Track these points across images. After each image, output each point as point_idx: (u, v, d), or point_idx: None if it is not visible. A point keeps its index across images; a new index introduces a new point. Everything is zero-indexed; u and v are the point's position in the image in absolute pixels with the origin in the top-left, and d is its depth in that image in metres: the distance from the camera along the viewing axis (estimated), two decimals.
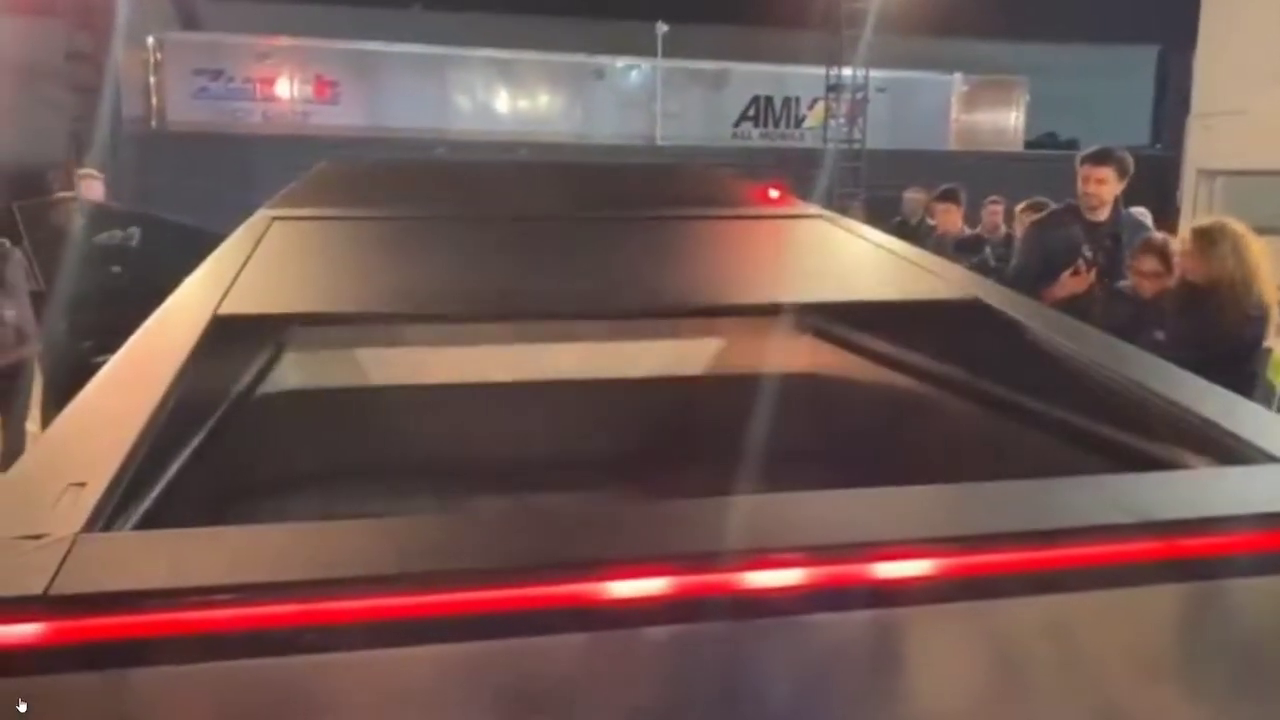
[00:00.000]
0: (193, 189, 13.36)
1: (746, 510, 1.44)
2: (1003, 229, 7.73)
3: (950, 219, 7.39)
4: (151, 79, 17.32)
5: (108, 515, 1.33)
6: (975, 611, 1.33)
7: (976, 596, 1.32)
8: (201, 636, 1.13)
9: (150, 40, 17.16)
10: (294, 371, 3.08)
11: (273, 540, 1.32)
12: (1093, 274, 4.39)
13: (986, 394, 2.57)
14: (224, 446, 2.22)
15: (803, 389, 3.39)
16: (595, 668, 1.24)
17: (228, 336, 2.38)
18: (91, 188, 6.34)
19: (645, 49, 19.32)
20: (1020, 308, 2.71)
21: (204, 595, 1.13)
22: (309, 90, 18.10)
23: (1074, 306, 4.36)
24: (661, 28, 18.71)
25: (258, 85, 17.79)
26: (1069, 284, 4.41)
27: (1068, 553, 1.34)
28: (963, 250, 7.07)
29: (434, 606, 1.17)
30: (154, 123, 17.30)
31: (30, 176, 12.78)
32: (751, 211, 3.50)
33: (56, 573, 1.14)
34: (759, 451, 3.04)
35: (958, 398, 2.64)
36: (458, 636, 1.18)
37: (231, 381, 2.42)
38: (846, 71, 18.39)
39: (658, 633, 1.24)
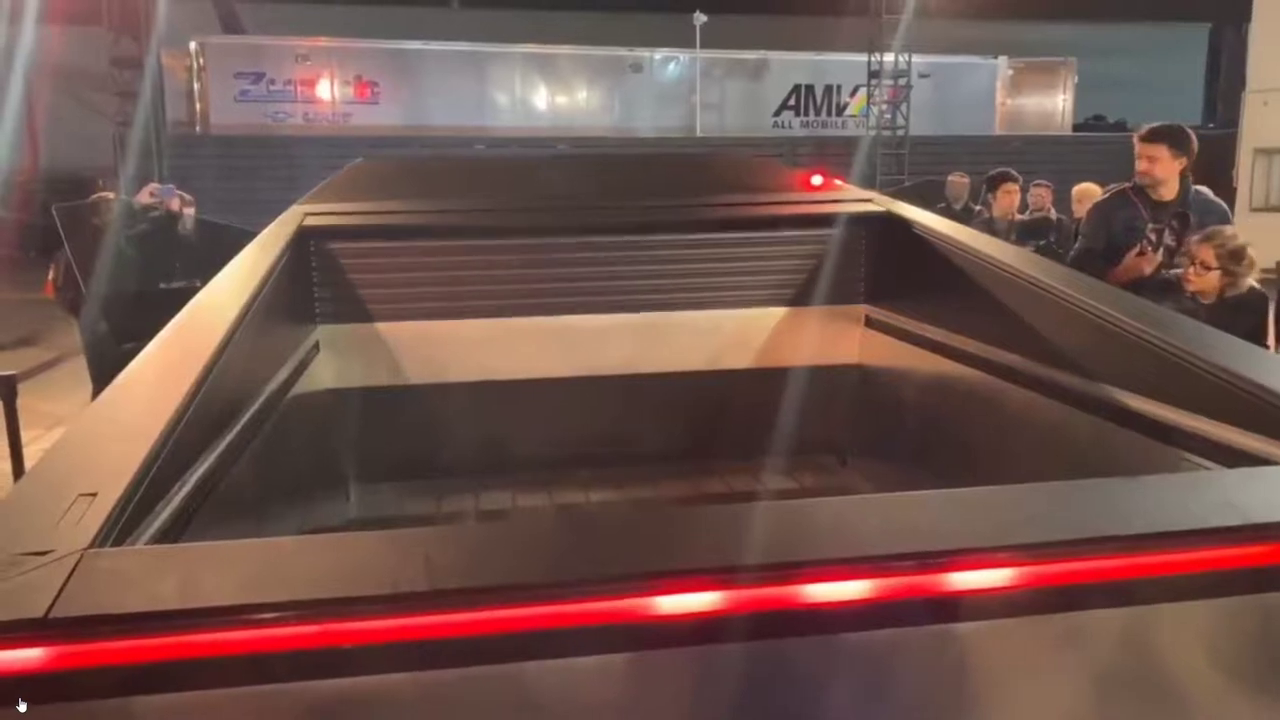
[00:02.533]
0: (236, 190, 13.49)
1: (805, 516, 1.33)
2: (1052, 212, 7.51)
3: (1010, 200, 7.24)
4: (195, 83, 17.49)
5: (120, 528, 1.25)
6: (1055, 626, 1.20)
7: (1055, 609, 1.20)
8: (214, 661, 1.04)
9: (192, 45, 17.33)
10: (328, 370, 3.02)
11: (295, 554, 1.23)
12: (1159, 255, 4.16)
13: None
14: (257, 447, 2.15)
15: (852, 378, 3.28)
16: (647, 689, 1.13)
17: (264, 327, 2.31)
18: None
19: (683, 40, 19.17)
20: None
21: (216, 617, 1.04)
22: (349, 90, 18.19)
23: (1142, 288, 4.14)
24: (699, 18, 18.53)
25: (298, 87, 17.91)
26: (1133, 265, 4.19)
27: (1159, 560, 1.21)
28: (1027, 234, 6.84)
29: (468, 626, 1.07)
30: (197, 126, 17.48)
31: (79, 180, 12.95)
32: (809, 197, 3.40)
33: (60, 593, 1.05)
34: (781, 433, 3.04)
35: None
36: (493, 658, 1.08)
37: (265, 378, 2.35)
38: (888, 58, 18.10)
39: (714, 651, 1.13)
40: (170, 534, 1.42)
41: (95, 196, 6.20)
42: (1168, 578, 1.20)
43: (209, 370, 1.77)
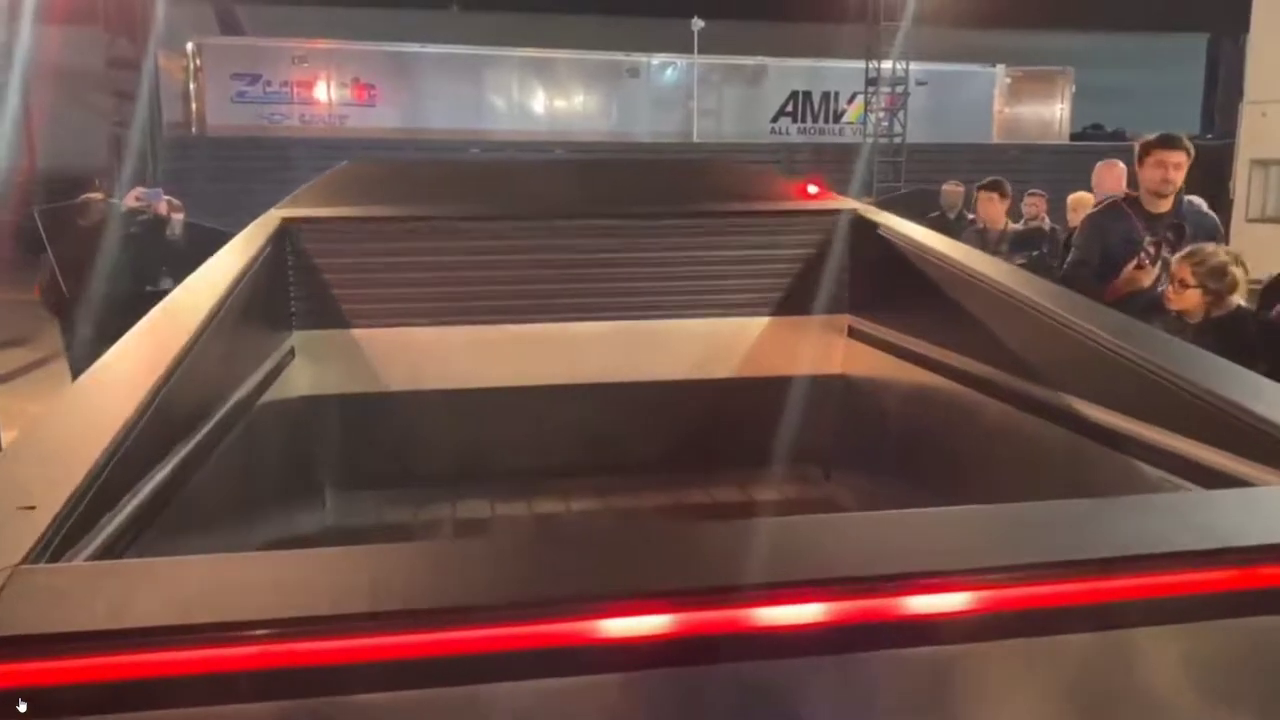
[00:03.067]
0: (231, 192, 13.43)
1: (758, 536, 1.29)
2: (1046, 222, 7.47)
3: (991, 210, 7.14)
4: (191, 84, 17.45)
5: (58, 543, 1.21)
6: (1022, 651, 1.17)
7: (1022, 634, 1.16)
8: (143, 683, 1.00)
9: (189, 46, 17.29)
10: (304, 376, 2.98)
11: (236, 572, 1.19)
12: (1157, 268, 4.07)
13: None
14: (224, 456, 2.11)
15: (837, 389, 3.24)
16: (593, 714, 1.10)
17: (233, 332, 2.27)
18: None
19: (681, 46, 19.15)
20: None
21: (147, 638, 1.00)
22: (345, 93, 18.15)
23: (1128, 306, 4.05)
24: (697, 24, 18.51)
25: (294, 88, 17.86)
26: (1132, 278, 4.10)
27: (1132, 583, 1.18)
28: (1020, 245, 6.76)
29: (411, 648, 1.04)
30: (193, 127, 17.43)
31: (75, 181, 12.91)
32: (792, 205, 3.37)
33: None
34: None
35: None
36: (435, 681, 1.04)
37: (232, 384, 2.30)
38: (886, 65, 18.09)
39: (661, 676, 1.10)
40: (115, 549, 1.38)
41: (83, 197, 6.15)
42: (1132, 602, 1.17)
43: (168, 376, 1.73)
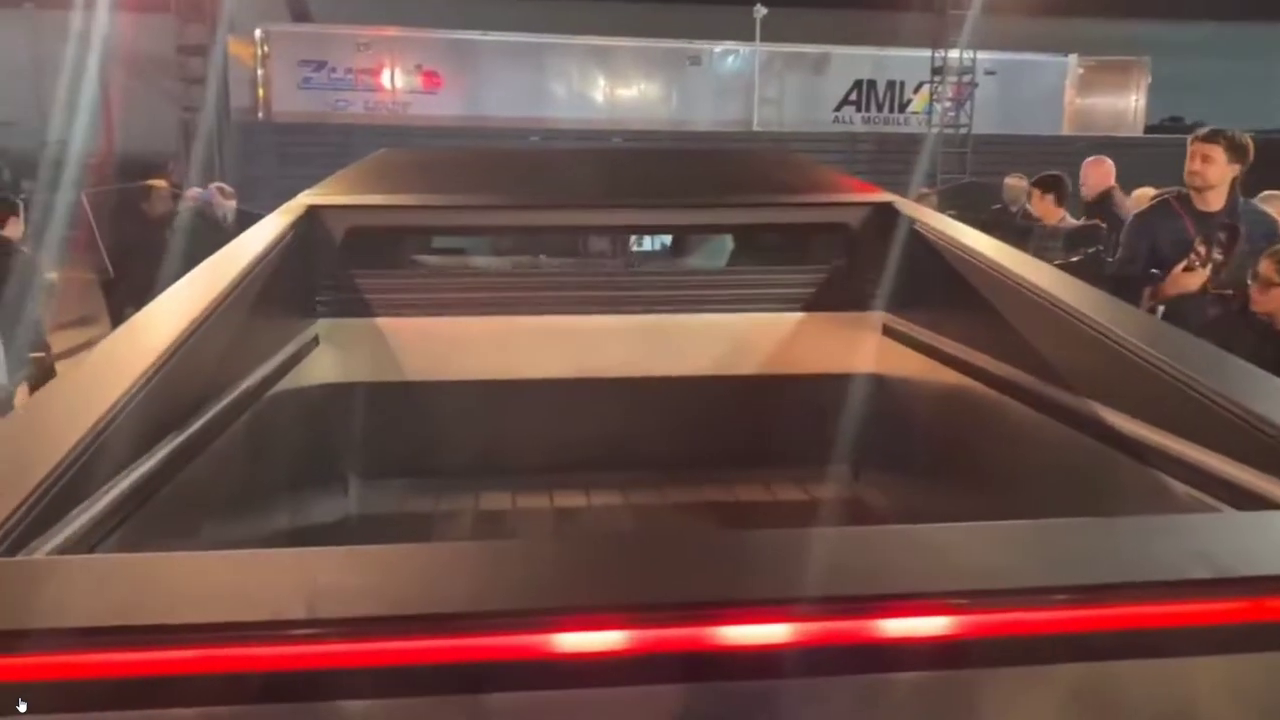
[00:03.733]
0: (296, 178, 13.62)
1: (731, 550, 1.24)
2: None
3: (1041, 206, 6.91)
4: (259, 70, 17.75)
5: (15, 536, 1.19)
6: (1011, 680, 1.10)
7: (1010, 662, 1.10)
8: (74, 685, 0.98)
9: (257, 32, 17.59)
10: (328, 364, 2.98)
11: (191, 570, 1.16)
12: (1207, 270, 3.93)
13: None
14: (235, 443, 2.10)
15: (868, 388, 3.16)
16: None
17: (249, 317, 2.26)
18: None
19: (743, 34, 18.96)
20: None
21: (79, 638, 0.98)
22: (409, 80, 18.33)
23: (1178, 308, 3.91)
24: (760, 11, 18.31)
25: (359, 75, 18.08)
26: (1180, 280, 3.96)
27: (1130, 613, 1.10)
28: (1075, 242, 6.53)
29: (338, 658, 1.01)
30: (260, 113, 17.74)
31: (148, 165, 13.23)
32: (827, 198, 3.28)
33: None
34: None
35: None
36: (366, 693, 1.01)
37: (245, 370, 2.28)
38: (953, 54, 17.72)
39: (618, 694, 1.05)
40: (90, 540, 1.37)
41: (146, 183, 6.28)
42: (1127, 632, 1.10)
43: (166, 361, 1.71)
